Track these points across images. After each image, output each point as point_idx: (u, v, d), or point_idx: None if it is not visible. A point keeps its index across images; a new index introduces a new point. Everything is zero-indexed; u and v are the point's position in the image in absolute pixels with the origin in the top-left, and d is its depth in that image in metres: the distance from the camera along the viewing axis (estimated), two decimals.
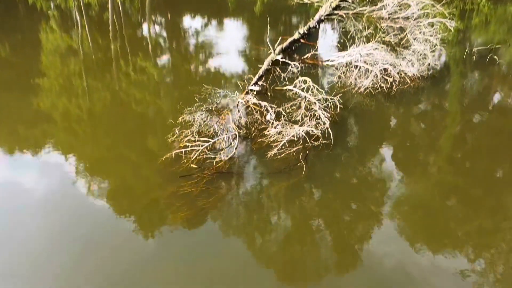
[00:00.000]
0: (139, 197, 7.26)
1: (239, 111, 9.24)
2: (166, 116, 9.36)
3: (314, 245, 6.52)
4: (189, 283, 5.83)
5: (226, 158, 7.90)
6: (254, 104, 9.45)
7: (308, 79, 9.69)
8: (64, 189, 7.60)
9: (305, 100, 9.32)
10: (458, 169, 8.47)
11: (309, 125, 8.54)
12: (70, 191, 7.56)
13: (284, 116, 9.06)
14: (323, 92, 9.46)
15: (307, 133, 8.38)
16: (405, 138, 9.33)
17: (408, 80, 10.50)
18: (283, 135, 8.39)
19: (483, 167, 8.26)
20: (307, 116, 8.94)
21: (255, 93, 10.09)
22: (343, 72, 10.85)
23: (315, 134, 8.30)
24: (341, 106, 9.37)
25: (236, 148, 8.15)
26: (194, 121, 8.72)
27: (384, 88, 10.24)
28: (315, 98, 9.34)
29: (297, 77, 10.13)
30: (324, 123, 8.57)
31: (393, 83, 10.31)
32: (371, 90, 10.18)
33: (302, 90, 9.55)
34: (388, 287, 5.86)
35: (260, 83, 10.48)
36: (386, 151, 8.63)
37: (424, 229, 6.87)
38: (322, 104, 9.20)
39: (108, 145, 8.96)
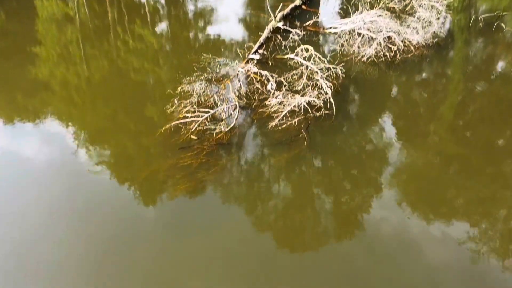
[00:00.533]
0: (139, 169, 7.14)
1: (239, 80, 9.02)
2: (165, 86, 9.16)
3: (314, 214, 6.47)
4: (189, 254, 5.78)
5: (226, 129, 7.74)
6: (255, 73, 9.22)
7: (310, 47, 9.42)
8: (64, 159, 7.52)
9: (307, 69, 9.08)
10: (459, 138, 8.35)
11: (310, 95, 8.34)
12: (70, 161, 7.49)
13: (285, 85, 8.84)
14: (325, 61, 9.20)
15: (308, 103, 8.18)
16: (406, 107, 9.14)
17: (412, 48, 10.20)
18: (284, 105, 8.20)
19: (484, 136, 8.14)
20: (308, 86, 8.73)
21: (255, 62, 9.82)
22: (346, 40, 10.54)
23: (317, 104, 8.10)
24: (344, 76, 9.13)
25: (236, 119, 7.98)
26: (193, 92, 8.52)
27: (388, 56, 9.96)
28: (317, 67, 9.10)
29: (299, 45, 9.85)
30: (326, 93, 8.36)
31: (397, 52, 10.02)
32: (374, 58, 9.90)
33: (304, 58, 9.29)
34: (386, 254, 5.85)
35: (260, 51, 10.20)
36: (388, 121, 8.46)
37: (423, 197, 6.82)
38: (324, 73, 8.97)
39: (107, 115, 8.80)
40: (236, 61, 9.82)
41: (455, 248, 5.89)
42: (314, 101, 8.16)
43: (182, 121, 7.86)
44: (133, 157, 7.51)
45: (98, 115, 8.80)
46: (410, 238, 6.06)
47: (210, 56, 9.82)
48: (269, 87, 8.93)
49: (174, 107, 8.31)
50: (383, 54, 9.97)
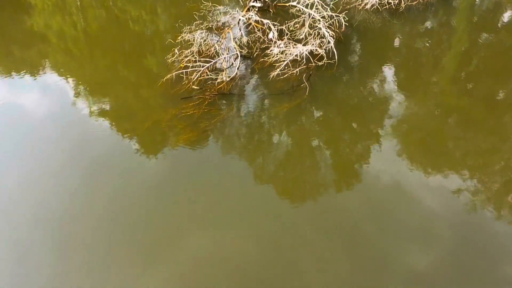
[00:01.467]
0: (141, 120, 7.09)
1: (240, 29, 8.80)
2: (164, 35, 8.95)
3: (314, 165, 6.47)
4: (192, 203, 5.83)
5: (228, 79, 7.61)
6: (256, 21, 8.98)
7: None
8: (64, 111, 7.45)
9: (309, 17, 8.82)
10: (460, 89, 8.21)
11: (313, 44, 8.15)
12: (70, 113, 7.42)
13: (287, 34, 8.63)
14: (328, 8, 8.93)
15: (310, 52, 8.00)
16: (409, 57, 8.95)
17: None
18: (286, 54, 8.03)
19: (486, 88, 7.97)
20: (311, 34, 8.51)
21: (256, 9, 9.55)
22: None
23: (319, 53, 7.93)
24: (346, 24, 8.89)
25: (237, 69, 7.84)
26: (194, 41, 8.31)
27: (392, 4, 9.65)
28: (320, 15, 8.85)
29: None
30: (329, 42, 8.16)
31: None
32: (378, 6, 9.60)
33: (306, 6, 9.01)
34: (384, 204, 5.86)
35: None
36: (390, 71, 8.31)
37: (422, 149, 6.79)
38: (326, 22, 8.73)
39: (106, 66, 8.65)
40: (237, 9, 9.53)
41: (451, 198, 5.87)
42: (316, 50, 7.98)
43: (183, 70, 7.72)
44: (135, 109, 7.45)
45: (98, 66, 8.67)
46: (406, 189, 6.05)
47: (210, 3, 9.52)
48: (270, 35, 8.72)
49: (175, 56, 8.14)
50: (387, 1, 9.66)
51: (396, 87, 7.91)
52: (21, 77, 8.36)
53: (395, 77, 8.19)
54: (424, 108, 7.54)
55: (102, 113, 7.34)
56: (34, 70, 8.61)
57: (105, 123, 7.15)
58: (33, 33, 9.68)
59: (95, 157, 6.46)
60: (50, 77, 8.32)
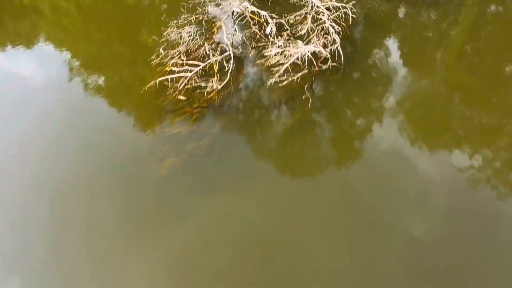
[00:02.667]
0: (118, 141, 6.14)
1: (234, 23, 7.70)
2: (147, 34, 7.83)
3: (318, 197, 5.63)
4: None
5: (219, 87, 6.63)
6: (252, 13, 7.88)
7: None
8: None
9: (312, 9, 7.73)
10: (467, 65, 7.51)
11: (316, 43, 7.10)
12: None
13: (287, 30, 7.56)
14: (334, 1, 7.80)
15: (313, 53, 6.98)
16: (424, 52, 7.84)
17: None
18: (285, 56, 7.00)
19: (493, 64, 7.33)
20: (314, 30, 7.44)
21: None
22: None
23: (323, 55, 6.91)
24: (354, 16, 7.78)
25: (230, 74, 6.84)
26: (181, 39, 7.26)
27: None
28: (324, 5, 7.75)
29: None
30: (334, 42, 7.12)
31: None
32: None
33: None
34: (387, 181, 5.58)
35: None
36: (404, 75, 7.30)
37: (426, 125, 6.34)
38: (331, 14, 7.64)
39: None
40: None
41: (455, 176, 5.66)
42: (320, 52, 6.95)
43: (168, 76, 6.73)
44: (112, 128, 6.44)
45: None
46: (410, 166, 5.74)
47: None
48: (268, 31, 7.65)
49: (159, 57, 7.11)
50: None
51: (413, 95, 6.95)
52: (14, 50, 7.97)
53: (411, 81, 7.18)
54: (428, 84, 6.91)
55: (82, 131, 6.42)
56: (27, 43, 8.13)
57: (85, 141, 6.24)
58: (26, 6, 8.86)
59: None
60: (44, 50, 7.76)
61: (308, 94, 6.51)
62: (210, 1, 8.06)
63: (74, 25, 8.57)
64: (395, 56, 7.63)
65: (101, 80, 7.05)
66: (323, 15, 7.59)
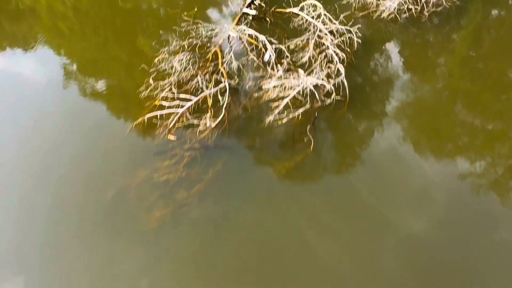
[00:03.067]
0: (103, 186, 5.59)
1: (230, 50, 7.11)
2: (133, 79, 7.18)
3: (319, 251, 5.12)
4: None
5: (213, 125, 6.07)
6: (250, 36, 7.29)
7: (317, 4, 7.37)
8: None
9: (315, 34, 7.14)
10: (470, 72, 7.28)
11: (319, 75, 6.52)
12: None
13: (287, 57, 6.98)
14: (337, 23, 7.20)
15: (316, 85, 6.41)
16: (442, 87, 7.24)
17: None
18: (285, 88, 6.43)
19: (497, 71, 7.11)
20: (316, 58, 6.87)
21: (250, 18, 7.82)
22: None
23: (327, 89, 6.34)
24: (359, 41, 7.19)
25: (225, 108, 6.27)
26: (171, 69, 6.68)
27: (413, 11, 7.86)
28: (327, 29, 7.17)
29: None
30: (339, 72, 6.54)
31: (424, 5, 7.91)
32: (397, 15, 7.79)
33: (312, 17, 7.30)
34: (389, 187, 5.54)
35: (257, 1, 8.08)
36: (414, 113, 6.70)
37: (429, 132, 6.29)
38: (335, 39, 7.05)
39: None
40: (226, 22, 7.79)
41: (457, 182, 5.66)
42: (323, 85, 6.38)
43: (158, 113, 6.16)
44: (95, 172, 5.86)
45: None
46: (412, 172, 5.74)
47: (191, 19, 7.70)
48: (266, 57, 7.08)
49: (149, 89, 6.54)
50: (407, 8, 7.88)
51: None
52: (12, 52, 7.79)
53: (427, 120, 6.57)
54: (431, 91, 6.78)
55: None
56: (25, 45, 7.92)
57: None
58: (22, 10, 8.52)
59: None
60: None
61: (309, 135, 5.92)
62: (203, 26, 7.43)
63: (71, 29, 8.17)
64: (404, 86, 7.06)
65: (83, 121, 6.45)
66: (326, 40, 7.01)
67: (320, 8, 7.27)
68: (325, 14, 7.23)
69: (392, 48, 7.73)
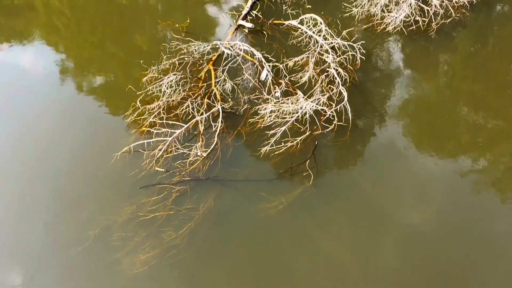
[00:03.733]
0: (85, 224, 5.13)
1: (224, 67, 6.62)
2: (122, 90, 6.71)
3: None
4: None
5: (205, 155, 5.60)
6: (245, 53, 6.81)
7: (318, 18, 6.87)
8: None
9: (315, 51, 6.66)
10: (473, 71, 7.09)
11: (319, 98, 6.04)
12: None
13: (285, 77, 6.51)
14: (339, 39, 6.71)
15: (316, 110, 5.95)
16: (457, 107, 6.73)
17: (451, 9, 7.49)
18: (283, 113, 5.95)
19: (501, 70, 6.86)
20: (317, 80, 6.39)
21: (246, 31, 7.33)
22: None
23: (327, 114, 5.86)
24: (363, 57, 6.70)
25: (218, 135, 5.80)
26: (160, 92, 6.20)
27: (420, 24, 7.33)
28: (328, 45, 6.68)
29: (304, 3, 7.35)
30: (341, 94, 6.06)
31: (432, 17, 7.38)
32: (403, 28, 7.26)
33: (312, 33, 6.82)
34: (389, 185, 5.43)
35: (254, 13, 7.57)
36: (428, 139, 6.21)
37: (430, 131, 6.12)
38: (337, 56, 6.57)
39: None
40: (219, 35, 7.31)
41: (457, 181, 5.52)
42: (323, 110, 5.90)
43: (145, 141, 5.69)
44: (74, 205, 5.39)
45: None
46: (413, 171, 5.61)
47: (182, 35, 7.19)
48: (263, 76, 6.61)
49: (136, 113, 6.07)
50: (414, 19, 7.35)
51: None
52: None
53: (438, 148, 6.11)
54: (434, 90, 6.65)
55: None
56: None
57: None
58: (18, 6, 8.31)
59: None
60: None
61: (308, 168, 5.45)
62: (196, 44, 6.92)
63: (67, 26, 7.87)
64: (410, 106, 6.58)
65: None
66: (327, 58, 6.52)
67: (321, 23, 6.77)
68: (326, 29, 6.72)
69: (397, 63, 7.23)
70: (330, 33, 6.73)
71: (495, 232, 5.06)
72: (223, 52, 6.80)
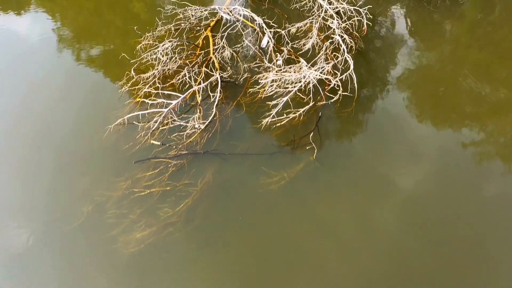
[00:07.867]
0: (75, 200, 4.83)
1: (222, 34, 6.18)
2: (116, 59, 6.28)
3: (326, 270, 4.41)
4: None
5: (203, 127, 5.25)
6: (245, 18, 6.36)
7: None
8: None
9: (319, 16, 6.20)
10: (478, 39, 6.62)
11: (322, 67, 5.63)
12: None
13: (287, 44, 6.08)
14: (345, 3, 6.25)
15: (320, 79, 5.56)
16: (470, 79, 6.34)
17: None
18: (285, 83, 5.56)
19: (508, 38, 6.51)
20: (321, 46, 5.96)
21: None
22: None
23: (332, 84, 5.47)
24: (369, 23, 6.26)
25: (216, 106, 5.43)
26: (155, 60, 5.79)
27: None
28: (333, 9, 6.23)
29: None
30: (346, 62, 5.65)
31: None
32: None
33: None
34: (391, 157, 5.11)
35: None
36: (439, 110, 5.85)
37: (433, 101, 5.78)
38: (342, 21, 6.13)
39: None
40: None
41: (459, 153, 5.21)
42: (328, 80, 5.51)
43: (139, 113, 5.33)
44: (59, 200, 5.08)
45: None
46: (414, 143, 5.28)
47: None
48: (264, 43, 6.18)
49: (130, 82, 5.68)
50: None
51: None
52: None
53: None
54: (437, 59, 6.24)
55: None
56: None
57: None
58: None
59: None
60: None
61: (311, 141, 5.11)
62: (192, 7, 6.45)
63: None
64: (420, 74, 6.17)
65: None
66: (332, 23, 6.07)
67: None
68: None
69: (402, 30, 6.78)
70: None
71: (498, 198, 4.80)
72: (222, 17, 6.35)
